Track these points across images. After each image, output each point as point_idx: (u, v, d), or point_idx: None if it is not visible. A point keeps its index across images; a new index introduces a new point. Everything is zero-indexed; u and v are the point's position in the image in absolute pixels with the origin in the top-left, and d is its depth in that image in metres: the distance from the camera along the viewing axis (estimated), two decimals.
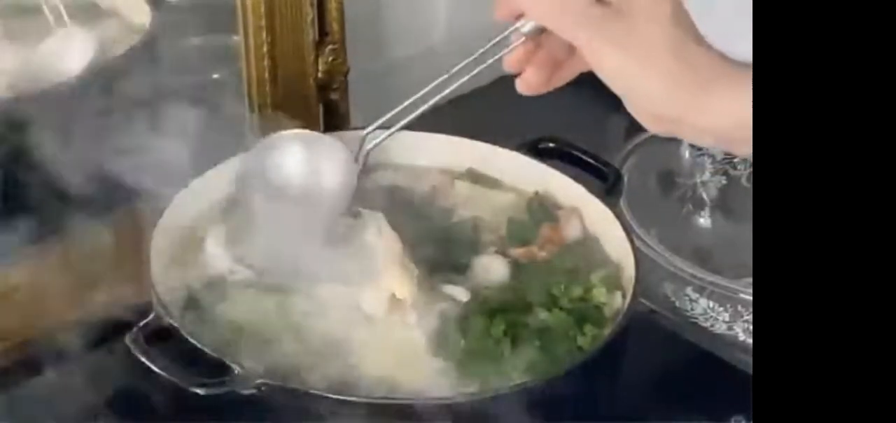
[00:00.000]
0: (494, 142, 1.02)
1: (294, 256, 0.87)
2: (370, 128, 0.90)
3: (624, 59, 0.71)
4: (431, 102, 0.84)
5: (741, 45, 0.73)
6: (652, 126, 0.74)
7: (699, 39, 0.72)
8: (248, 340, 0.82)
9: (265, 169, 0.91)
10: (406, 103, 0.86)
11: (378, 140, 0.90)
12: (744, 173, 1.20)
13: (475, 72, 0.81)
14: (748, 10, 0.63)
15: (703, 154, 1.21)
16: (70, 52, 1.03)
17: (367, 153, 0.91)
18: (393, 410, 0.78)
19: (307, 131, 0.93)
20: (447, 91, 0.83)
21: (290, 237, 0.88)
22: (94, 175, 0.92)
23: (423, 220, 0.97)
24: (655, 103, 0.72)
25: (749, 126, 0.69)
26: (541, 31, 0.76)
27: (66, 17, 1.05)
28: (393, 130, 0.88)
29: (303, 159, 0.92)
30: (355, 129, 1.03)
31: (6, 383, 0.93)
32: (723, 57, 0.71)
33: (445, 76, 0.83)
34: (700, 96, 0.70)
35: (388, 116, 0.88)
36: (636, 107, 0.73)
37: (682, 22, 0.71)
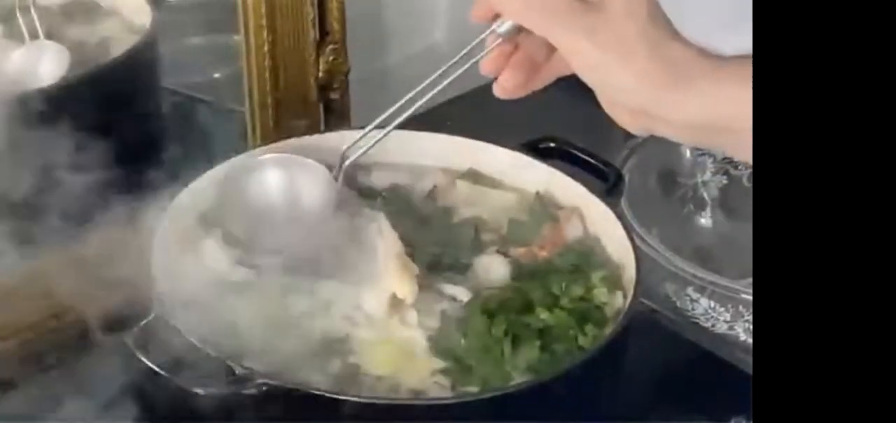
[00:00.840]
0: (495, 142, 1.02)
1: (293, 256, 0.87)
2: (349, 144, 0.89)
3: (599, 54, 0.70)
4: (407, 114, 0.84)
5: (718, 34, 0.73)
6: (627, 122, 0.74)
7: (675, 35, 0.71)
8: (248, 340, 0.82)
9: (242, 192, 0.91)
10: (379, 120, 0.86)
11: (356, 154, 0.89)
12: (745, 173, 1.20)
13: (450, 80, 0.80)
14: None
15: (704, 154, 1.21)
16: (42, 65, 1.03)
17: (350, 178, 0.90)
18: (393, 410, 0.78)
19: (284, 154, 0.93)
20: (423, 100, 0.82)
21: (287, 242, 0.88)
22: (94, 174, 0.92)
23: (424, 220, 0.97)
24: (631, 99, 0.71)
25: (725, 122, 0.69)
26: (517, 32, 0.76)
27: (40, 31, 1.05)
28: (370, 145, 0.87)
29: (280, 183, 0.91)
30: (355, 128, 1.03)
31: (6, 382, 0.93)
32: (700, 52, 0.71)
33: (419, 88, 0.82)
34: (675, 92, 0.70)
35: (370, 127, 0.87)
36: (611, 103, 0.73)
37: (658, 18, 0.71)
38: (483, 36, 0.77)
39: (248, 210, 0.91)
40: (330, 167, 0.91)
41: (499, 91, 0.77)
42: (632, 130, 0.75)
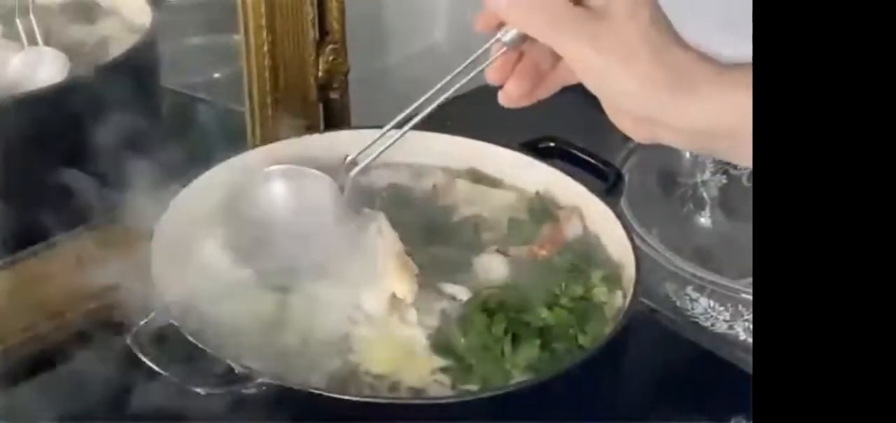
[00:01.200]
0: (495, 141, 1.02)
1: (293, 256, 0.87)
2: (355, 154, 0.89)
3: (603, 60, 0.71)
4: (413, 123, 0.84)
5: (726, 50, 0.73)
6: (630, 130, 0.74)
7: (678, 40, 0.72)
8: (248, 340, 0.82)
9: (247, 203, 0.91)
10: (386, 129, 0.86)
11: (362, 164, 0.89)
12: (744, 173, 1.20)
13: (455, 88, 0.80)
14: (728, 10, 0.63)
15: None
16: (41, 70, 1.03)
17: (352, 180, 0.90)
18: (393, 409, 0.78)
19: (290, 166, 0.92)
20: (429, 109, 0.82)
21: (287, 243, 0.88)
22: (94, 174, 0.92)
23: (424, 219, 0.97)
24: (633, 104, 0.72)
25: (727, 128, 0.69)
26: (522, 40, 0.76)
27: (39, 36, 1.04)
28: (375, 155, 0.87)
29: (286, 194, 0.91)
30: (356, 128, 1.03)
31: (6, 383, 0.93)
32: (703, 58, 0.71)
33: (424, 98, 0.82)
34: (679, 97, 0.70)
35: (376, 137, 0.87)
36: (615, 109, 0.73)
37: (661, 21, 0.71)
38: (488, 44, 0.77)
39: (253, 219, 0.90)
40: (329, 169, 0.91)
41: (504, 100, 0.77)
42: (635, 137, 0.75)
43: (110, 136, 0.95)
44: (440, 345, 0.84)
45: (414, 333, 0.85)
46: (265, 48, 1.08)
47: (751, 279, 1.03)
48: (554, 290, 0.89)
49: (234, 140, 1.08)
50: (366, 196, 0.97)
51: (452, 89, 0.80)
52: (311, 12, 1.11)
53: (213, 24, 1.21)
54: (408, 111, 0.84)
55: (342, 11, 1.13)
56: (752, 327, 1.03)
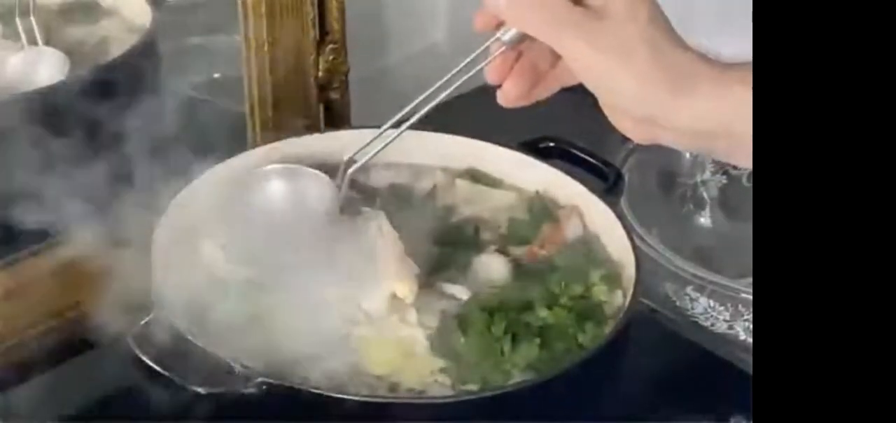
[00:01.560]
0: (495, 141, 1.02)
1: (293, 256, 0.87)
2: (351, 152, 0.89)
3: (602, 59, 0.71)
4: (411, 122, 0.84)
5: (726, 50, 0.73)
6: (629, 130, 0.74)
7: (677, 40, 0.72)
8: (248, 339, 0.82)
9: (245, 202, 0.91)
10: (384, 128, 0.86)
11: (360, 162, 0.89)
12: (744, 173, 1.20)
13: (453, 87, 0.80)
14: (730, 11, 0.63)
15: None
16: (40, 71, 1.03)
17: (350, 179, 0.90)
18: (393, 409, 0.79)
19: (288, 166, 0.92)
20: (427, 108, 0.82)
21: (286, 242, 0.88)
22: (94, 173, 0.92)
23: (424, 219, 0.97)
24: (632, 103, 0.71)
25: (729, 127, 0.69)
26: (521, 40, 0.76)
27: (39, 37, 1.04)
28: (373, 153, 0.87)
29: (284, 193, 0.91)
30: (356, 127, 1.03)
31: (5, 382, 0.93)
32: (702, 58, 0.71)
33: (422, 97, 0.82)
34: (678, 96, 0.70)
35: (374, 137, 0.87)
36: (614, 109, 0.73)
37: (660, 23, 0.71)
38: (488, 44, 0.77)
39: (252, 218, 0.91)
40: (329, 169, 0.91)
41: (502, 99, 0.77)
42: (634, 138, 0.75)
43: (110, 136, 0.95)
44: (440, 345, 0.84)
45: (414, 333, 0.85)
46: (265, 48, 1.08)
47: (751, 279, 1.03)
48: (554, 290, 0.89)
49: (234, 140, 1.08)
50: (366, 196, 0.98)
51: (451, 88, 0.80)
52: (311, 12, 1.11)
53: (213, 24, 1.21)
54: (406, 110, 0.84)
55: (342, 11, 1.13)
56: (752, 327, 1.03)
